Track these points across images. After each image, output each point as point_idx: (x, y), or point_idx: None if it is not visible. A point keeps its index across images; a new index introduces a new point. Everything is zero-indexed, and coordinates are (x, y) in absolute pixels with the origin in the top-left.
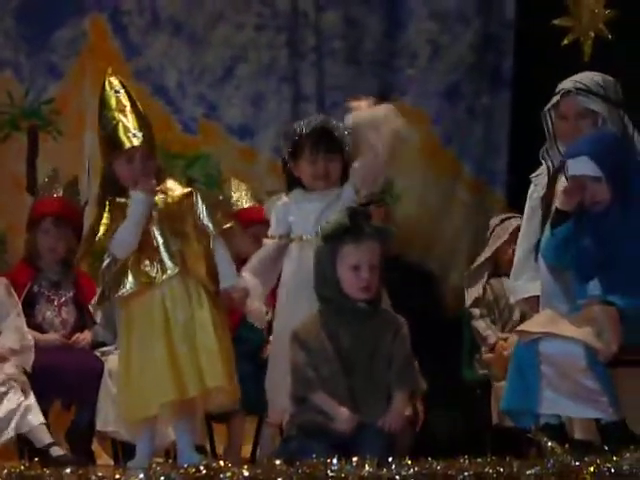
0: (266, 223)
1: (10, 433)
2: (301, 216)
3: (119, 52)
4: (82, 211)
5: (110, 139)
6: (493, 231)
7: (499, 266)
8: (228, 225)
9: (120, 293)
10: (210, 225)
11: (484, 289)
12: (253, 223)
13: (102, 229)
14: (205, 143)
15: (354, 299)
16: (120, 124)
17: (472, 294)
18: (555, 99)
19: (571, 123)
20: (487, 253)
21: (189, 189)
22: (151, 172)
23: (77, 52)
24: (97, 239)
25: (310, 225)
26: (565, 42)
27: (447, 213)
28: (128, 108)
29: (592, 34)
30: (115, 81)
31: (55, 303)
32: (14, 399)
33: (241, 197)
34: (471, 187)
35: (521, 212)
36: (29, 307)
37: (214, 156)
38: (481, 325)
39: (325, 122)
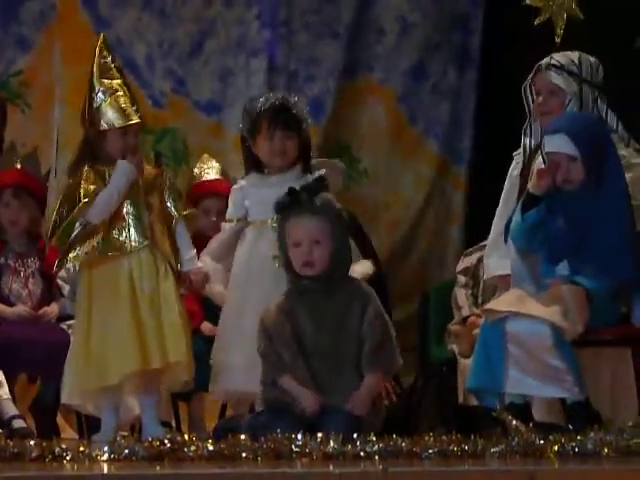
0: (219, 197)
1: None
2: (258, 200)
3: (88, 25)
4: (44, 181)
5: (103, 110)
6: None
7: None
8: (189, 211)
9: (86, 252)
10: (174, 208)
11: (478, 261)
12: (207, 196)
13: (82, 192)
14: (173, 118)
15: (305, 277)
16: (120, 94)
17: (465, 262)
18: (531, 75)
19: (542, 98)
20: None
21: (160, 169)
22: (139, 146)
23: (46, 24)
24: (80, 203)
25: (267, 210)
26: (536, 22)
27: (411, 191)
28: (121, 81)
29: (564, 14)
30: (106, 51)
31: (22, 275)
32: None
33: (203, 170)
34: (436, 165)
35: (484, 191)
36: None
37: (182, 131)
38: (461, 294)
39: (283, 99)
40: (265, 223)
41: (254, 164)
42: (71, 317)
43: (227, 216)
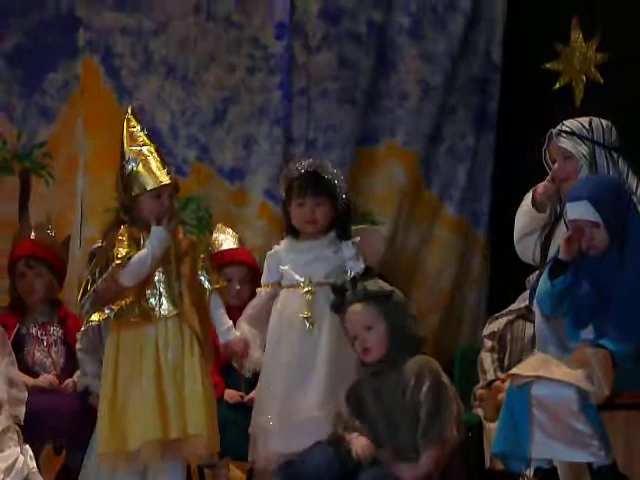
0: (240, 265)
1: None
2: (291, 265)
3: (111, 94)
4: (62, 249)
5: (136, 175)
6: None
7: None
8: (221, 285)
9: (116, 317)
10: (207, 281)
11: (505, 325)
12: (228, 264)
13: (122, 251)
14: (197, 185)
15: (367, 363)
16: (150, 159)
17: (492, 327)
18: (545, 143)
19: (557, 164)
20: (526, 302)
21: (194, 239)
22: (175, 211)
23: (69, 95)
24: (114, 261)
25: (298, 274)
26: (557, 86)
27: (427, 254)
28: (152, 147)
29: (584, 78)
30: (134, 120)
31: (44, 343)
32: (12, 454)
33: (219, 240)
34: (452, 227)
35: (503, 254)
36: (19, 349)
37: (205, 199)
38: (487, 358)
39: (315, 165)
40: (296, 286)
41: (291, 229)
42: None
43: (262, 281)
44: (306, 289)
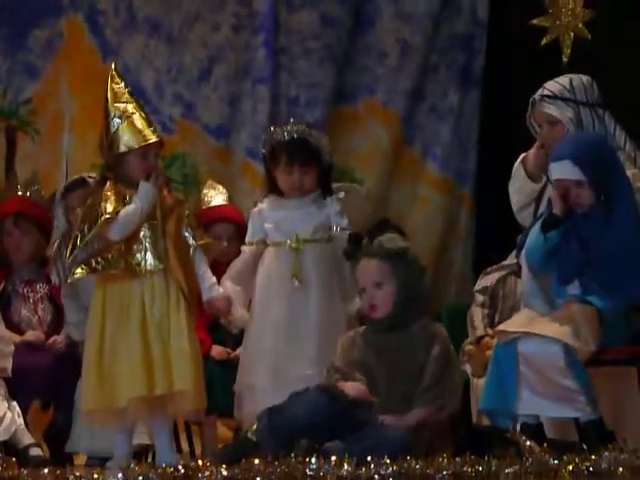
0: (229, 222)
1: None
2: (276, 222)
3: (96, 52)
4: (47, 206)
5: (122, 133)
6: None
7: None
8: (204, 242)
9: (102, 270)
10: (191, 238)
11: (498, 281)
12: (216, 221)
13: (108, 207)
14: (183, 143)
15: (374, 319)
16: (135, 117)
17: (484, 282)
18: (529, 109)
19: (544, 130)
20: (513, 259)
21: (180, 197)
22: (161, 170)
23: (54, 52)
24: (102, 216)
25: (284, 231)
26: (543, 42)
27: (412, 212)
28: (136, 104)
29: (571, 34)
30: (117, 77)
31: (31, 301)
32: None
33: (209, 196)
34: (436, 186)
35: (490, 210)
36: (5, 307)
37: (191, 156)
38: (478, 314)
39: (302, 132)
40: (283, 244)
41: (273, 187)
42: None
43: (247, 239)
44: (293, 246)
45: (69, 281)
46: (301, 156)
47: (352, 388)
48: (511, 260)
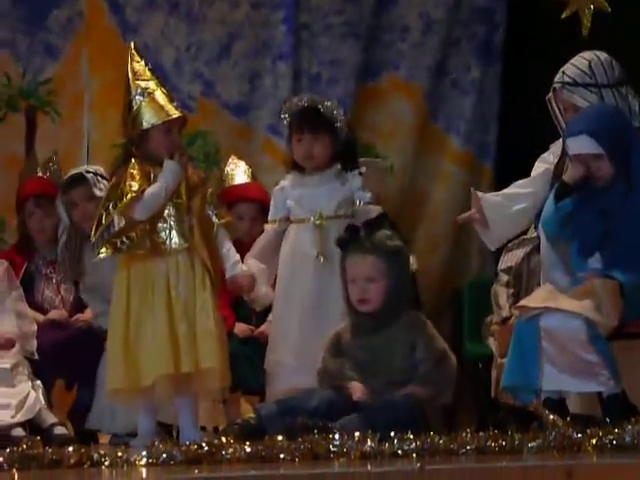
0: (252, 202)
1: (19, 418)
2: (298, 199)
3: (115, 31)
4: None
5: (145, 109)
6: None
7: None
8: (225, 220)
9: (127, 250)
10: (215, 216)
11: (522, 260)
12: (239, 201)
13: (134, 185)
14: (203, 120)
15: (361, 313)
16: (157, 93)
17: (508, 260)
18: (550, 94)
19: (570, 115)
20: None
21: (204, 175)
22: (185, 148)
23: (74, 32)
24: (126, 195)
25: (307, 208)
26: (564, 15)
27: (435, 187)
28: (157, 81)
29: (591, 7)
30: (137, 55)
31: (53, 281)
32: (23, 390)
33: (232, 173)
34: (459, 160)
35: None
36: (28, 287)
37: (212, 134)
38: (503, 294)
39: (312, 100)
40: (306, 221)
41: (295, 164)
42: None
43: (270, 217)
44: (317, 223)
45: (94, 260)
46: (310, 123)
47: (359, 391)
48: (531, 234)
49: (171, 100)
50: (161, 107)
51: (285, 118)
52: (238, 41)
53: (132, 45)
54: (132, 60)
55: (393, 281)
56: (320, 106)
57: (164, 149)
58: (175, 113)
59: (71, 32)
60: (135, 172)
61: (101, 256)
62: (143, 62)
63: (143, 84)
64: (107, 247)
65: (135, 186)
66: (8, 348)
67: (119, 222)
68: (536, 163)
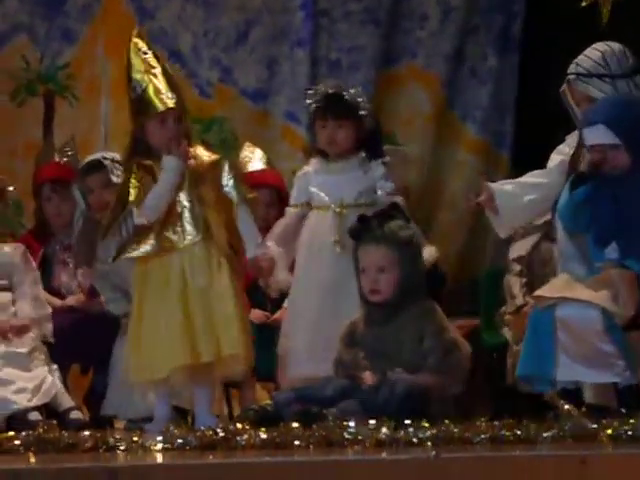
0: (267, 188)
1: (36, 402)
2: (321, 186)
3: (133, 16)
4: None
5: (141, 101)
6: None
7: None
8: (251, 195)
9: (140, 253)
10: (234, 194)
11: (533, 248)
12: (254, 187)
13: (133, 192)
14: (220, 107)
15: (372, 303)
16: (151, 86)
17: (518, 249)
18: (564, 86)
19: (584, 106)
20: (546, 217)
21: (217, 156)
22: (183, 135)
23: (91, 16)
24: (129, 203)
25: (329, 195)
26: (583, 3)
27: (452, 174)
28: (157, 70)
29: None
30: (141, 42)
31: (70, 266)
32: (39, 374)
33: (248, 159)
34: (475, 149)
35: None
36: (45, 272)
37: (229, 120)
38: (516, 283)
39: (336, 87)
40: (327, 208)
41: (318, 149)
42: None
43: (291, 201)
44: (337, 210)
45: (139, 253)
46: (334, 109)
47: (369, 379)
48: (538, 221)
49: (169, 89)
50: (154, 99)
51: (310, 104)
52: (256, 27)
53: (135, 33)
54: (134, 49)
55: (404, 271)
56: (345, 93)
57: (161, 139)
58: (167, 104)
59: (88, 17)
60: (138, 174)
61: (127, 255)
62: (145, 48)
63: (139, 76)
64: (129, 255)
65: (140, 187)
66: (23, 334)
67: (130, 226)
68: (552, 155)
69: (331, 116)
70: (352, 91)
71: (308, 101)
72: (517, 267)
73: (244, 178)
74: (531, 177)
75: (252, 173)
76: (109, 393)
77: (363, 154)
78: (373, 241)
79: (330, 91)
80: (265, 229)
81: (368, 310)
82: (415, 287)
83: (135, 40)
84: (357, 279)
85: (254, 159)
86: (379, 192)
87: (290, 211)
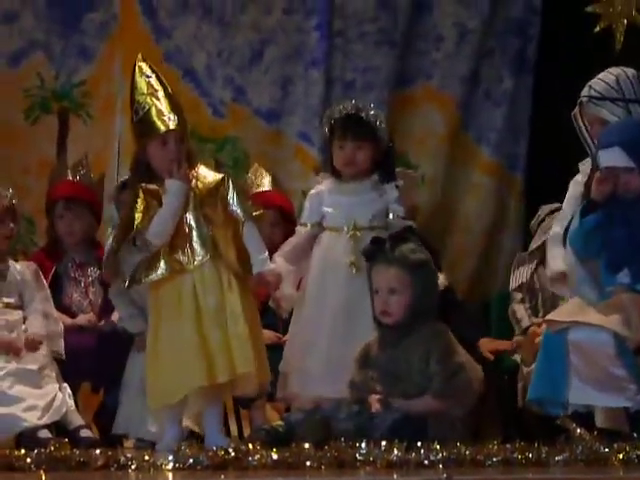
0: (272, 208)
1: (46, 420)
2: (333, 206)
3: (149, 35)
4: (97, 188)
5: (143, 123)
6: (543, 221)
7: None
8: (258, 212)
9: (151, 278)
10: (240, 211)
11: (531, 276)
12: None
13: (138, 217)
14: (234, 126)
15: (382, 324)
16: (153, 108)
17: (518, 278)
18: (576, 109)
19: (596, 130)
20: (536, 243)
21: (221, 175)
22: (184, 156)
23: (108, 34)
24: (135, 228)
25: (342, 216)
26: (597, 29)
27: (464, 197)
28: (160, 92)
29: (624, 21)
30: (145, 66)
31: (82, 284)
32: (50, 391)
33: (256, 181)
34: (489, 171)
35: (540, 197)
36: (57, 290)
37: (242, 140)
38: (520, 309)
39: (357, 107)
40: (340, 230)
41: (333, 169)
42: None
43: (302, 220)
44: (351, 233)
45: (150, 278)
46: (354, 129)
47: (374, 402)
48: (535, 242)
49: (171, 110)
50: (156, 120)
51: (328, 123)
52: (270, 47)
53: (139, 56)
54: (139, 72)
55: (416, 294)
56: (364, 114)
57: (162, 161)
58: (168, 126)
59: (105, 35)
60: (141, 203)
61: (149, 279)
62: (149, 72)
63: (141, 98)
64: (134, 279)
65: (145, 212)
66: (34, 349)
67: (140, 251)
68: (570, 185)
69: (351, 137)
70: (372, 112)
71: (325, 120)
72: (519, 295)
73: (250, 197)
74: (557, 226)
75: (258, 193)
76: (120, 411)
77: (376, 176)
78: (385, 263)
79: (351, 111)
80: (270, 249)
81: (381, 332)
82: (426, 309)
83: (139, 63)
84: (371, 300)
85: (261, 180)
86: (391, 215)
87: (301, 230)
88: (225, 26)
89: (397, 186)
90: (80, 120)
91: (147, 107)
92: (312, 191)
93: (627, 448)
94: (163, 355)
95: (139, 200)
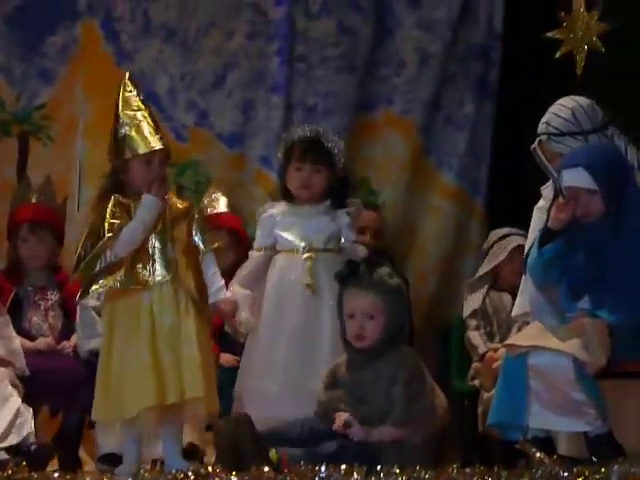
0: (223, 230)
1: (12, 440)
2: (286, 229)
3: (110, 58)
4: (61, 211)
5: (129, 140)
6: (492, 246)
7: (499, 281)
8: (216, 245)
9: (109, 285)
10: (200, 242)
11: (483, 301)
12: (211, 230)
13: (107, 227)
14: (196, 150)
15: (353, 347)
16: (143, 124)
17: (470, 305)
18: (535, 144)
19: (556, 163)
20: (486, 268)
21: (188, 204)
22: (165, 178)
23: (69, 57)
24: (105, 236)
25: (295, 239)
26: (558, 55)
27: (426, 221)
28: (146, 112)
29: (585, 47)
30: (130, 85)
31: (42, 307)
32: (15, 404)
33: (211, 203)
34: (449, 195)
35: (501, 221)
36: (16, 313)
37: (204, 164)
38: (475, 335)
39: (317, 132)
40: (296, 251)
41: (286, 193)
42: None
43: (255, 244)
44: (306, 255)
45: (82, 301)
46: (314, 153)
47: (339, 419)
48: (483, 269)
49: (157, 131)
50: (144, 138)
51: (285, 146)
52: (233, 71)
53: (127, 75)
54: (124, 89)
55: (391, 319)
56: (324, 139)
57: (143, 180)
58: (156, 145)
59: (66, 57)
60: (115, 209)
61: (95, 291)
62: (135, 92)
63: (131, 113)
64: (96, 287)
65: (114, 223)
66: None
67: (102, 260)
68: (534, 212)
69: (310, 159)
70: (330, 137)
71: (283, 144)
72: (473, 322)
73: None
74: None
75: (212, 216)
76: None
77: (329, 202)
78: (361, 287)
79: (311, 135)
80: (223, 271)
81: (350, 354)
82: (398, 334)
83: (126, 81)
84: (340, 323)
85: (216, 203)
86: (343, 239)
87: (254, 255)
88: (187, 50)
89: (348, 213)
90: (40, 143)
91: (134, 124)
92: (264, 215)
93: (586, 472)
94: (116, 371)
95: (109, 211)
